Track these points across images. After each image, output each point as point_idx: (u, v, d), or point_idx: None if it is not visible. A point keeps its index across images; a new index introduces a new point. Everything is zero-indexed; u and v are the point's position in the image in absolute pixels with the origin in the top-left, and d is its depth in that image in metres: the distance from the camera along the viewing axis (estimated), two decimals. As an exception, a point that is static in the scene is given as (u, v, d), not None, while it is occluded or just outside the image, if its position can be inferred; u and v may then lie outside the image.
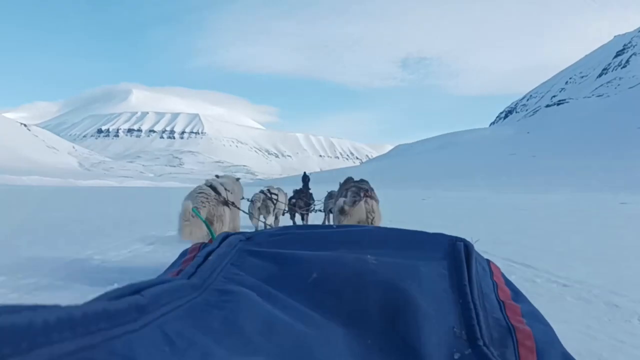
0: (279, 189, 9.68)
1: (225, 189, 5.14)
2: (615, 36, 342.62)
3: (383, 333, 0.76)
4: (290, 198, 10.71)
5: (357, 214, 4.78)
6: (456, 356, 0.74)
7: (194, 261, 0.93)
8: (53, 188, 48.40)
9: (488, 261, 1.13)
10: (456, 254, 1.04)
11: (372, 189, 5.22)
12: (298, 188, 12.94)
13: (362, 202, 4.82)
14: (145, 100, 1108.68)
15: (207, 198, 4.76)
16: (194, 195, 4.81)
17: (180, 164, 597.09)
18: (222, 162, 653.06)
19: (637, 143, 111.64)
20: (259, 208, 8.55)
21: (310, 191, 13.33)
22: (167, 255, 6.11)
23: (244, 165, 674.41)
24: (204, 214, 4.56)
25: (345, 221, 4.85)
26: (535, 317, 0.93)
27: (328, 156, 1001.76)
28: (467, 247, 1.08)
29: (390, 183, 75.92)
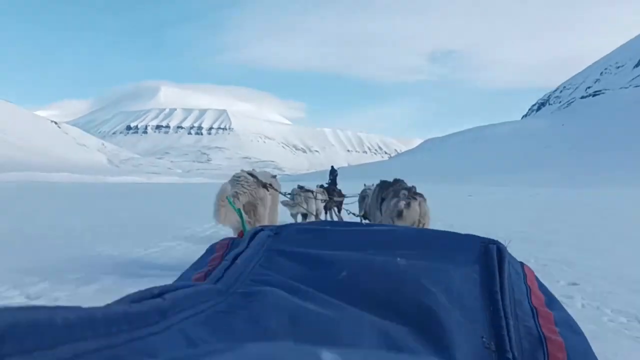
0: (316, 189, 9.57)
1: (264, 178, 5.15)
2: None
3: (413, 337, 0.74)
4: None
5: (410, 217, 4.49)
6: None
7: (221, 265, 0.92)
8: (81, 184, 48.62)
9: (522, 264, 1.10)
10: (488, 258, 1.01)
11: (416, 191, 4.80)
12: (323, 183, 12.62)
13: (416, 205, 4.49)
14: (173, 97, 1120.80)
15: (247, 182, 4.79)
16: (234, 180, 4.82)
17: (208, 160, 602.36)
18: (250, 158, 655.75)
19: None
20: (298, 199, 8.40)
21: (338, 187, 13.23)
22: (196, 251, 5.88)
23: (272, 161, 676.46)
24: (245, 199, 4.61)
25: (399, 223, 4.47)
26: (568, 325, 0.89)
27: (356, 151, 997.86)
28: (500, 249, 1.04)
29: (421, 177, 73.21)
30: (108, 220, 10.35)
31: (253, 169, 5.55)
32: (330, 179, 26.36)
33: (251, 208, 4.69)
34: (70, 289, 4.42)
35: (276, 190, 5.46)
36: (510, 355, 0.74)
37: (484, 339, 0.78)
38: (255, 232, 1.09)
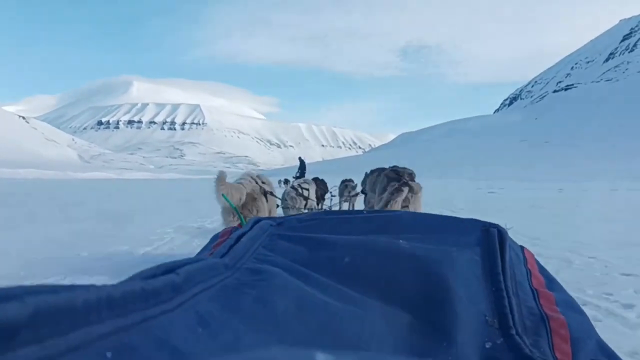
0: (308, 182, 9.15)
1: (262, 182, 5.21)
2: (620, 20, 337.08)
3: (418, 315, 0.75)
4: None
5: (398, 204, 4.35)
6: (488, 345, 0.72)
7: (225, 242, 0.93)
8: (47, 181, 46.43)
9: (522, 248, 1.11)
10: (490, 241, 1.03)
11: (411, 174, 4.76)
12: (292, 176, 12.65)
13: (399, 198, 4.30)
14: (145, 92, 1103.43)
15: (250, 181, 4.89)
16: (238, 179, 4.91)
17: (182, 155, 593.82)
18: (224, 153, 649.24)
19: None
20: (291, 204, 8.05)
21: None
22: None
23: (246, 156, 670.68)
24: (248, 188, 4.71)
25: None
26: (570, 305, 0.91)
27: (330, 146, 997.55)
28: (501, 233, 1.05)
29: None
30: (76, 217, 9.57)
31: (258, 175, 5.30)
32: (299, 172, 25.08)
33: (251, 199, 4.65)
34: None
35: (275, 196, 5.36)
36: (513, 332, 0.75)
37: (487, 318, 0.79)
38: (257, 220, 1.11)
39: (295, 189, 8.62)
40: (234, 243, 0.92)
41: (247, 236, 0.97)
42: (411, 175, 4.69)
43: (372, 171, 6.41)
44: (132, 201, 17.07)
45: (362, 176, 7.60)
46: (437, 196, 16.29)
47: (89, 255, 5.21)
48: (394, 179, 4.53)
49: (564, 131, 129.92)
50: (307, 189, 8.81)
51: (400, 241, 0.98)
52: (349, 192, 9.88)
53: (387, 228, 1.11)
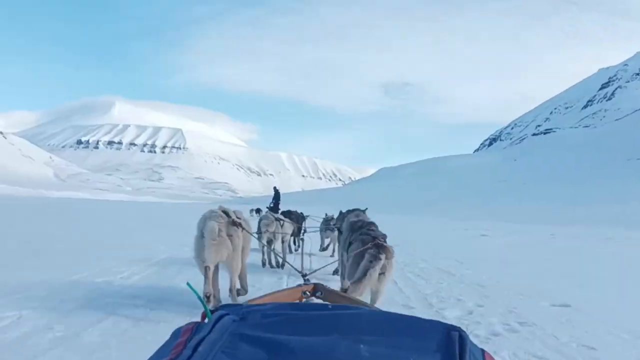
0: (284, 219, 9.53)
1: (237, 216, 5.34)
2: (600, 69, 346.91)
3: None
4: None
5: (367, 286, 4.62)
6: None
7: (183, 353, 0.91)
8: (14, 198, 45.07)
9: (482, 351, 1.09)
10: (450, 346, 1.01)
11: (384, 237, 5.04)
12: (266, 206, 13.62)
13: (376, 272, 4.57)
14: (127, 114, 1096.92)
15: (222, 219, 5.03)
16: (209, 217, 5.00)
17: (160, 179, 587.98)
18: (203, 179, 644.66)
19: (626, 174, 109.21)
20: (267, 234, 8.51)
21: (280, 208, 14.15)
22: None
23: (225, 183, 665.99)
24: (224, 233, 4.93)
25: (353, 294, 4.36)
26: None
27: (311, 176, 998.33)
28: (462, 337, 1.04)
29: (375, 206, 70.91)
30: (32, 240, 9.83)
31: (223, 208, 5.48)
32: (272, 202, 24.14)
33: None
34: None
35: (248, 231, 5.50)
36: None
37: None
38: (220, 316, 1.08)
39: (273, 216, 8.98)
40: (191, 354, 0.91)
41: (206, 342, 0.96)
42: (384, 238, 4.90)
43: (348, 211, 7.12)
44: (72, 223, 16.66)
45: (342, 208, 8.28)
46: (430, 246, 15.41)
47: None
48: (369, 241, 4.76)
49: (542, 174, 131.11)
50: (282, 219, 9.19)
51: (361, 346, 0.98)
52: (332, 230, 10.09)
53: (350, 328, 1.09)
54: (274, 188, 24.29)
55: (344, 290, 4.60)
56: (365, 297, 4.35)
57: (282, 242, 9.24)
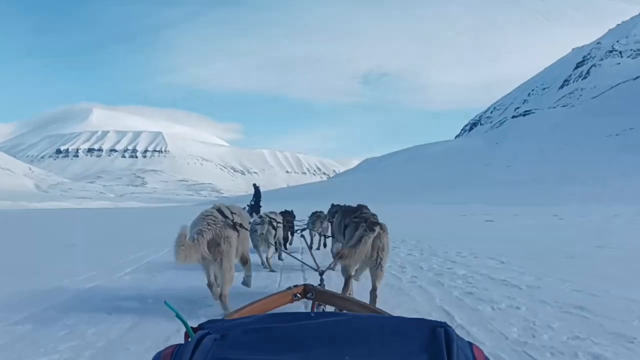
0: (276, 213, 9.36)
1: (232, 212, 5.21)
2: (573, 49, 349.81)
3: None
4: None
5: (362, 253, 4.67)
6: None
7: None
8: None
9: (470, 345, 1.08)
10: (437, 344, 1.00)
11: (375, 216, 5.20)
12: (246, 205, 12.96)
13: (370, 239, 4.67)
14: (105, 120, 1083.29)
15: (214, 221, 4.89)
16: (201, 218, 4.95)
17: (143, 184, 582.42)
18: (187, 181, 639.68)
19: (607, 150, 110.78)
20: (262, 236, 8.30)
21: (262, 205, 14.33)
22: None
23: (209, 183, 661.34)
24: (209, 235, 4.74)
25: (348, 260, 4.75)
26: None
27: (295, 172, 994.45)
28: (448, 332, 1.03)
29: (361, 197, 70.79)
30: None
31: (222, 205, 5.33)
32: (253, 199, 23.87)
33: (214, 245, 4.74)
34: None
35: (246, 229, 5.45)
36: None
37: None
38: (201, 337, 1.06)
39: (266, 217, 8.61)
40: None
41: None
42: (375, 218, 5.06)
43: (340, 206, 7.36)
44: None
45: (328, 201, 8.48)
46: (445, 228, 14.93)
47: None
48: (362, 221, 4.88)
49: (525, 155, 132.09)
50: (275, 219, 8.84)
51: (346, 358, 0.97)
52: (321, 224, 10.08)
53: (334, 339, 1.07)
54: (254, 185, 24.10)
55: (339, 254, 4.68)
56: (366, 300, 3.76)
57: (277, 244, 8.85)
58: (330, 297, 2.14)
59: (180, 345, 1.09)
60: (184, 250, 4.33)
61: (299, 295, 2.07)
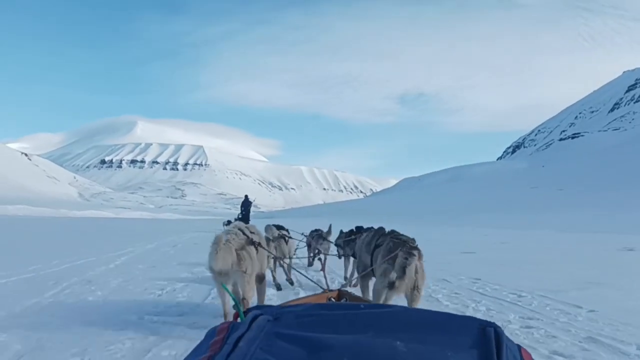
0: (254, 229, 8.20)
1: (251, 232, 5.40)
2: (624, 71, 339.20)
3: None
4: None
5: (405, 285, 4.49)
6: None
7: (223, 349, 0.93)
8: (32, 218, 44.37)
9: (519, 347, 1.07)
10: (486, 342, 0.99)
11: (413, 240, 4.95)
12: (235, 217, 15.28)
13: (413, 267, 4.48)
14: (149, 132, 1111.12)
15: (237, 236, 5.07)
16: (224, 233, 5.10)
17: (183, 196, 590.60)
18: (225, 194, 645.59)
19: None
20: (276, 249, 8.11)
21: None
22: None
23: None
24: (236, 245, 4.90)
25: (397, 292, 4.57)
26: None
27: (332, 189, 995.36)
28: (498, 333, 1.02)
29: (398, 216, 67.39)
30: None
31: (241, 225, 5.47)
32: (242, 211, 21.21)
33: (238, 257, 4.84)
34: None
35: (264, 248, 5.55)
36: None
37: None
38: (255, 316, 1.10)
39: (279, 229, 8.44)
40: (232, 349, 0.93)
41: (245, 339, 0.97)
42: (414, 241, 4.82)
43: (357, 231, 7.24)
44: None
45: (365, 219, 8.76)
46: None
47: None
48: (399, 244, 4.68)
49: (574, 179, 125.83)
50: (288, 234, 8.64)
51: (398, 342, 0.97)
52: (321, 243, 9.55)
53: (385, 326, 1.08)
54: (245, 196, 21.40)
55: (389, 282, 4.46)
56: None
57: (290, 258, 8.72)
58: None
59: (233, 322, 1.12)
60: (222, 251, 4.43)
61: (333, 299, 2.05)
